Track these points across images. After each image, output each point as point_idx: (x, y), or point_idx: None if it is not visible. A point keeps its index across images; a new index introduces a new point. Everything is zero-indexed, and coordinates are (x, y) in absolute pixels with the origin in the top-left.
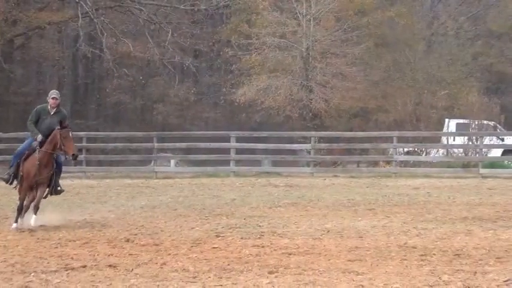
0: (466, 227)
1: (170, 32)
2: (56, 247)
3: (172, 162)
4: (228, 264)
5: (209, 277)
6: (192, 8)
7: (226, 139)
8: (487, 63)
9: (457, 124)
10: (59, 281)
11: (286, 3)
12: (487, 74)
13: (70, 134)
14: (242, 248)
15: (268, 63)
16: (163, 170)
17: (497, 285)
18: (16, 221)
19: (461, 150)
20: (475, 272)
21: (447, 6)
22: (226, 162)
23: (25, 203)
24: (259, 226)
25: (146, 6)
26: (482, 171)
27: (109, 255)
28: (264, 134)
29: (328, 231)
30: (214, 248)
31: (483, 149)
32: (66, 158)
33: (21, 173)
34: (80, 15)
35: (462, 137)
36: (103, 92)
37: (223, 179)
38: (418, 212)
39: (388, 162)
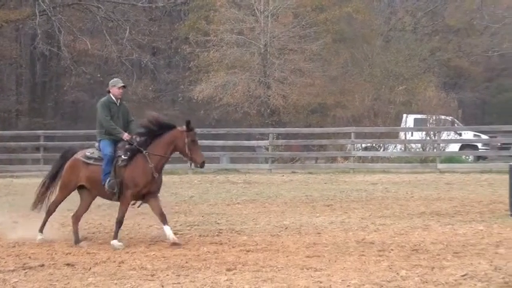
0: (424, 222)
1: (128, 30)
2: (14, 246)
3: None
4: (186, 262)
5: (167, 275)
6: (150, 5)
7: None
8: (444, 58)
9: (415, 119)
10: (16, 280)
11: None
12: (444, 69)
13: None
14: (200, 245)
15: (226, 60)
16: None
17: (455, 280)
18: (116, 237)
19: (419, 145)
20: (433, 267)
21: (405, 1)
22: (184, 160)
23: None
24: (218, 223)
25: (104, 4)
26: (440, 166)
27: (67, 254)
28: (222, 130)
29: (286, 228)
30: (172, 245)
31: (441, 144)
32: (190, 167)
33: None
34: (37, 13)
35: (420, 132)
36: (61, 90)
37: (182, 176)
38: (376, 208)
39: (346, 158)
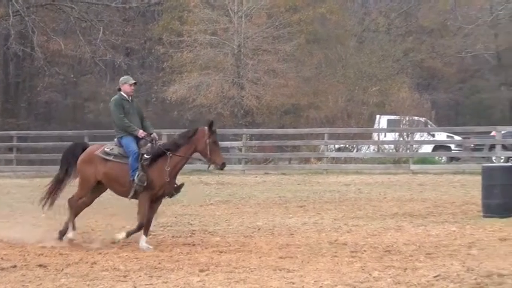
0: (397, 223)
1: (101, 30)
2: None
3: None
4: (159, 263)
5: (140, 276)
6: (124, 5)
7: (158, 137)
8: (418, 59)
9: (388, 120)
10: None
11: (218, 0)
12: (418, 70)
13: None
14: (173, 246)
15: (199, 60)
16: None
17: (427, 281)
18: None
19: (392, 146)
20: (405, 268)
21: (379, 2)
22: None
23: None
24: (191, 224)
25: (77, 4)
26: (413, 167)
27: (39, 255)
28: None
29: (259, 229)
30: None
31: (414, 145)
32: (208, 168)
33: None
34: (10, 14)
35: (393, 133)
36: (34, 91)
37: None
38: (349, 209)
39: (319, 159)
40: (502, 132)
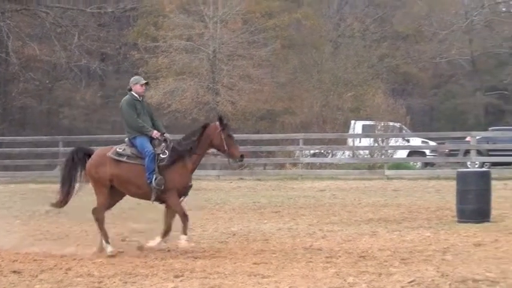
0: (371, 229)
1: (77, 35)
2: None
3: None
4: (134, 269)
5: (114, 282)
6: (99, 11)
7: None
8: (393, 64)
9: (363, 126)
10: None
11: (193, 5)
12: (393, 76)
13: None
14: (148, 252)
15: (175, 66)
16: None
17: (402, 287)
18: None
19: (367, 151)
20: (380, 274)
21: (354, 8)
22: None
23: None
24: None
25: (52, 9)
26: (388, 172)
27: (13, 261)
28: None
29: (234, 235)
30: (119, 252)
31: (389, 151)
32: (229, 163)
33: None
34: None
35: (368, 139)
36: (9, 96)
37: None
38: (323, 214)
39: (295, 165)
40: (477, 137)
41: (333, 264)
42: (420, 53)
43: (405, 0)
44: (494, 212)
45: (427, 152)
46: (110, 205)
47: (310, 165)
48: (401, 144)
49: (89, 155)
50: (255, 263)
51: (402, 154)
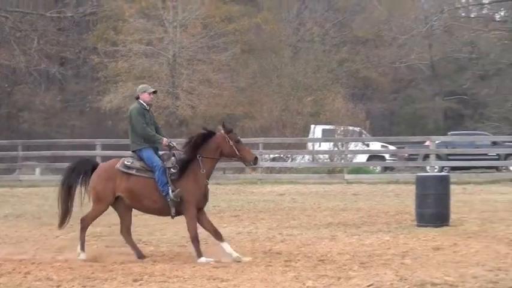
0: (331, 233)
1: (36, 40)
2: None
3: (38, 170)
4: (92, 273)
5: (73, 286)
6: (58, 15)
7: (92, 147)
8: (352, 69)
9: (323, 130)
10: None
11: (153, 10)
12: (352, 80)
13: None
14: (107, 256)
15: (134, 70)
16: (28, 179)
17: None
18: (200, 254)
19: (326, 156)
20: (339, 278)
21: (313, 12)
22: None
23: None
24: None
25: (12, 14)
26: (347, 176)
27: None
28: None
29: None
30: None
31: (348, 155)
32: (245, 165)
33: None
34: None
35: (328, 143)
36: None
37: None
38: (283, 218)
39: (254, 169)
40: (436, 142)
41: (292, 268)
42: (380, 57)
43: (365, 5)
44: (453, 216)
45: (387, 156)
46: (128, 223)
47: (270, 170)
48: (361, 149)
49: (93, 169)
50: (214, 267)
51: (362, 158)
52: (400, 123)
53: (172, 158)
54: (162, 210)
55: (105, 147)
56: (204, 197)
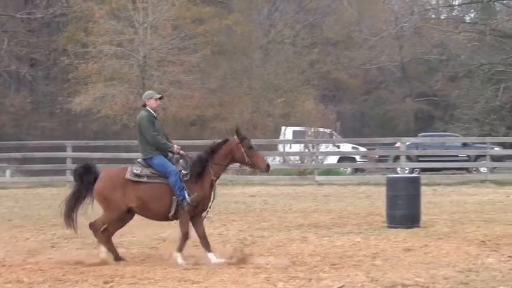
0: (302, 234)
1: (6, 41)
2: None
3: (8, 172)
4: (63, 275)
5: None
6: (29, 16)
7: (63, 148)
8: (323, 70)
9: (294, 132)
10: None
11: (123, 11)
12: (323, 82)
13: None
14: (77, 258)
15: (105, 71)
16: None
17: None
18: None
19: (297, 157)
20: (310, 279)
21: (284, 14)
22: (62, 172)
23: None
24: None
25: None
26: (318, 178)
27: None
28: (101, 143)
29: (164, 240)
30: (49, 258)
31: (319, 157)
32: (257, 173)
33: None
34: None
35: (298, 145)
36: None
37: (60, 189)
38: (254, 220)
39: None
40: (407, 143)
41: (263, 269)
42: (350, 59)
43: (335, 7)
44: (423, 218)
45: (357, 157)
46: (116, 229)
47: (241, 171)
48: (331, 150)
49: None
50: (185, 269)
51: (332, 160)
52: (371, 125)
53: (181, 160)
54: (165, 215)
55: (75, 148)
56: (206, 201)
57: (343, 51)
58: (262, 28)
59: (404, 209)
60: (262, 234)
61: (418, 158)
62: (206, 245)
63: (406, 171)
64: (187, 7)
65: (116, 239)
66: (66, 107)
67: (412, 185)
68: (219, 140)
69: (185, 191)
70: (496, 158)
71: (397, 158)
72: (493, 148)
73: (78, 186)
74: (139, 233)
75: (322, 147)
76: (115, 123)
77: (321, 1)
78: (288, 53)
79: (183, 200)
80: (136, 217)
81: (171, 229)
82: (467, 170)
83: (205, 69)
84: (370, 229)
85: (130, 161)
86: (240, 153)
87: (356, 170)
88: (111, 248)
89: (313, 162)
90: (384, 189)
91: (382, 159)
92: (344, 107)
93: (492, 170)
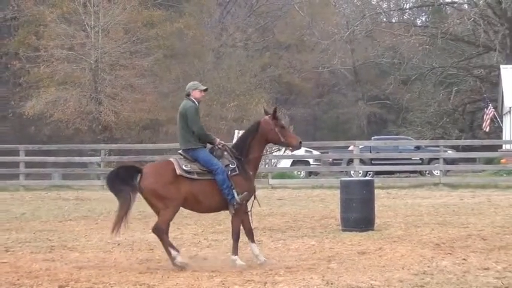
0: (256, 238)
1: None
2: None
3: None
4: (18, 279)
5: None
6: None
7: (15, 153)
8: (275, 74)
9: None
10: None
11: (75, 15)
12: (275, 85)
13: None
14: (32, 262)
15: (56, 75)
16: None
17: None
18: (236, 252)
19: None
20: (265, 283)
21: (236, 17)
22: (15, 176)
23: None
24: (50, 240)
25: None
26: (272, 181)
27: None
28: (54, 147)
29: (119, 244)
30: (3, 263)
31: (272, 160)
32: (285, 151)
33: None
34: None
35: None
36: None
37: (13, 193)
38: (208, 224)
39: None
40: (360, 146)
41: (218, 273)
42: (302, 62)
43: (286, 10)
44: (378, 221)
45: (311, 161)
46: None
47: None
48: (284, 154)
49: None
50: (140, 273)
51: (286, 163)
52: (324, 128)
53: (225, 153)
54: (220, 208)
55: (28, 153)
56: (251, 194)
57: (295, 54)
58: (214, 32)
59: (358, 212)
60: (216, 238)
61: (371, 161)
62: (251, 237)
63: (360, 175)
64: (139, 11)
65: (70, 242)
66: (18, 111)
67: (366, 188)
68: (251, 127)
69: (234, 190)
70: (449, 161)
71: (350, 161)
72: (446, 151)
73: (124, 193)
74: (94, 237)
75: (275, 151)
76: (67, 127)
77: (272, 5)
78: (240, 57)
79: (232, 199)
80: (92, 222)
81: (126, 233)
82: (420, 173)
83: (157, 73)
84: (325, 232)
85: (84, 165)
86: (274, 133)
87: (310, 174)
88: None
89: (267, 166)
90: (337, 192)
91: (335, 162)
92: (297, 111)
93: (445, 173)
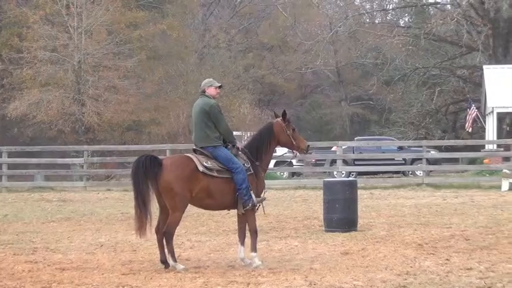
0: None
1: None
2: None
3: None
4: (0, 281)
5: None
6: None
7: None
8: (258, 75)
9: None
10: None
11: (57, 16)
12: (259, 86)
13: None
14: (15, 264)
15: (39, 77)
16: None
17: None
18: (255, 249)
19: None
20: (249, 283)
21: (219, 19)
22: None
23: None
24: (32, 242)
25: None
26: None
27: None
28: (37, 148)
29: (102, 246)
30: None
31: None
32: (296, 155)
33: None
34: None
35: None
36: None
37: None
38: (191, 225)
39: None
40: (343, 147)
41: (201, 274)
42: (286, 63)
43: (270, 11)
44: (361, 221)
45: (294, 161)
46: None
47: None
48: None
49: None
50: (123, 274)
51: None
52: (307, 129)
53: (240, 152)
54: (230, 206)
55: (11, 154)
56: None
57: (278, 55)
58: (197, 33)
59: (341, 213)
60: (200, 239)
61: (354, 162)
62: (242, 238)
63: (343, 175)
64: (122, 12)
65: (53, 244)
66: (1, 112)
67: (349, 189)
68: (263, 129)
69: (251, 192)
70: (432, 161)
71: (333, 162)
72: (429, 151)
73: (142, 183)
74: (77, 239)
75: None
76: (50, 128)
77: (256, 6)
78: (223, 58)
79: (249, 200)
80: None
81: (109, 235)
82: (403, 173)
83: (140, 74)
84: (308, 233)
85: (67, 166)
86: (285, 136)
87: (293, 174)
88: (172, 251)
89: None
90: (320, 193)
91: (318, 163)
92: (280, 111)
93: (428, 173)
